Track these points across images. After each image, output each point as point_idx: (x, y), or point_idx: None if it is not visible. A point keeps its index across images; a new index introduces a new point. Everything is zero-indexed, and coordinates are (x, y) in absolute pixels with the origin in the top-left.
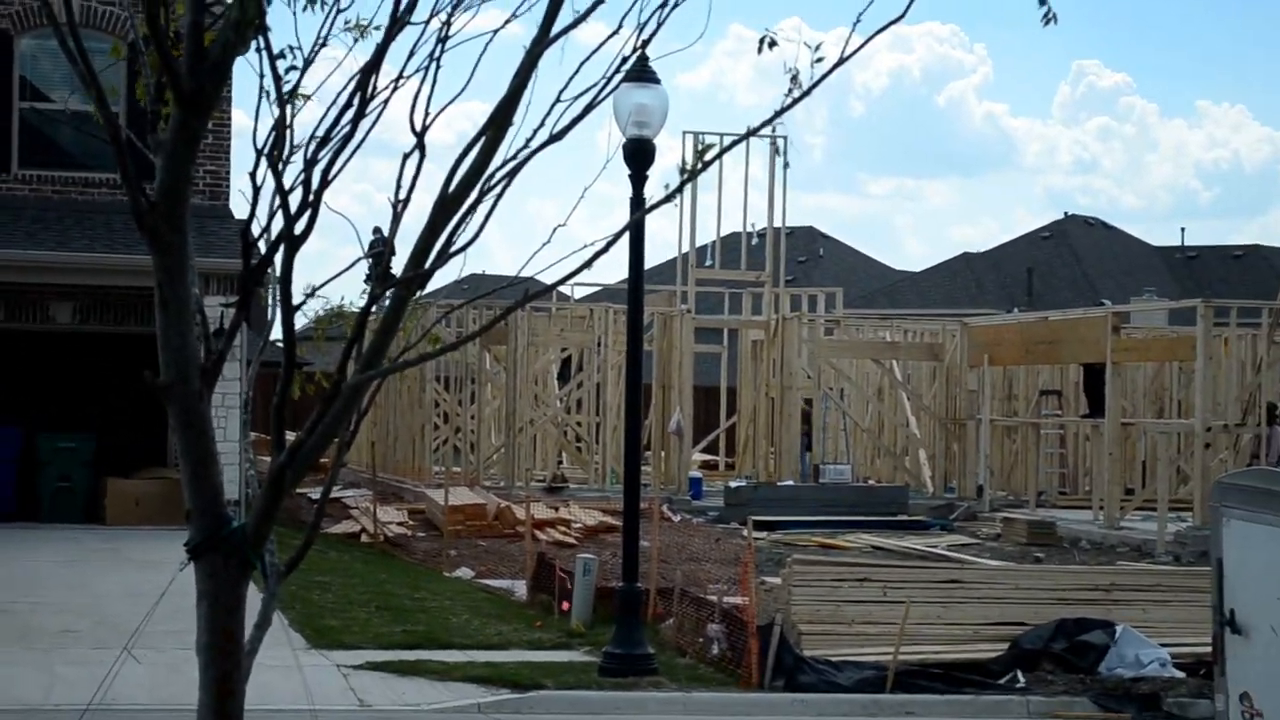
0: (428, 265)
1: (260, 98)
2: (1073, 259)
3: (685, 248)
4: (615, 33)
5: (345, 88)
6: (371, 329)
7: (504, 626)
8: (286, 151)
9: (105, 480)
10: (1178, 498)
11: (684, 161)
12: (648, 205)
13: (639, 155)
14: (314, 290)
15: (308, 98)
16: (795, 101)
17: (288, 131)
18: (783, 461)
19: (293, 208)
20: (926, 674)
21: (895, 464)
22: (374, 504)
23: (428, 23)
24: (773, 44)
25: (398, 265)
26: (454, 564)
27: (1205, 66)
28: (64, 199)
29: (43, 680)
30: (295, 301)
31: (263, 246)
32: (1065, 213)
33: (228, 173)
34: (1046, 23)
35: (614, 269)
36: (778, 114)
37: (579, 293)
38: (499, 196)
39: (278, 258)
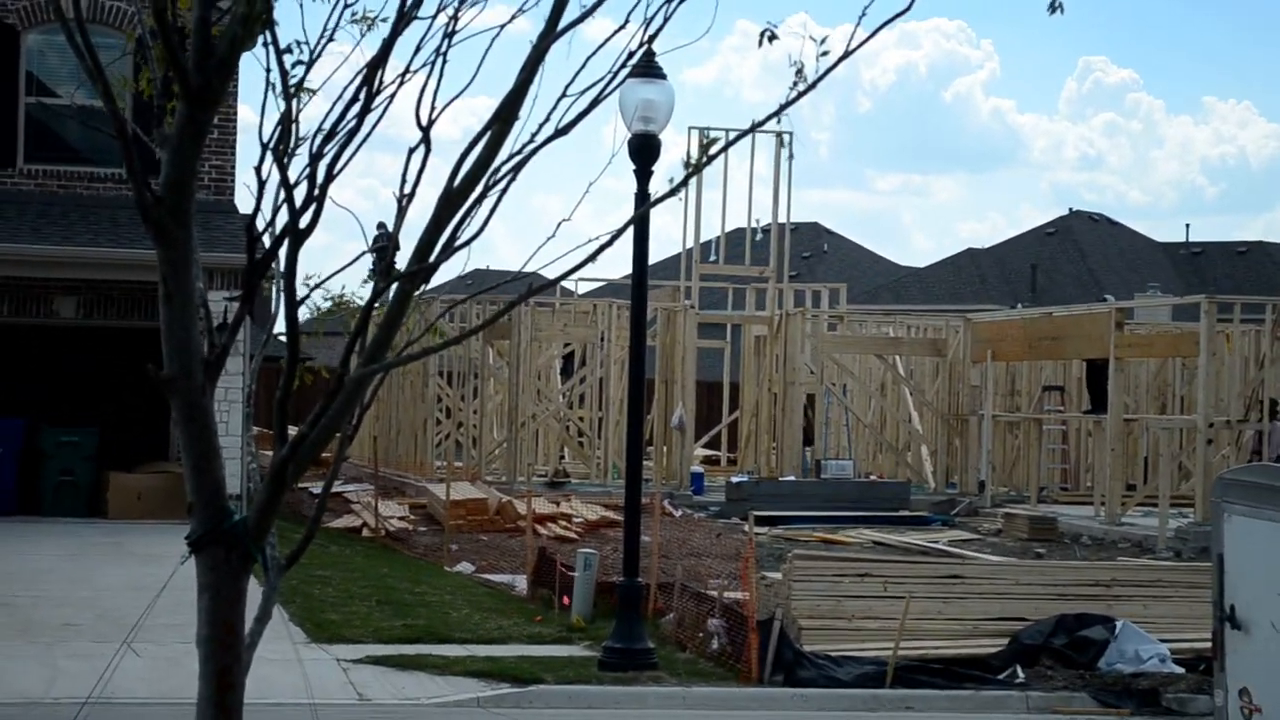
0: (432, 260)
1: (266, 93)
2: (1077, 255)
3: (689, 243)
4: (621, 28)
5: (351, 82)
6: (375, 323)
7: (504, 621)
8: (292, 145)
9: (107, 474)
10: (1179, 494)
11: (689, 157)
12: (652, 200)
13: (644, 150)
14: (315, 286)
15: (313, 92)
16: (800, 95)
17: (293, 126)
18: (784, 457)
19: (297, 202)
20: (926, 669)
21: (897, 459)
22: (375, 498)
23: (434, 17)
24: (773, 38)
25: (402, 260)
26: (455, 559)
27: (1212, 63)
28: (69, 194)
29: (44, 673)
30: (299, 295)
31: (267, 241)
32: (1070, 209)
33: (233, 167)
34: (1053, 11)
35: (618, 264)
36: (783, 107)
37: (583, 288)
38: (504, 191)
39: (282, 252)
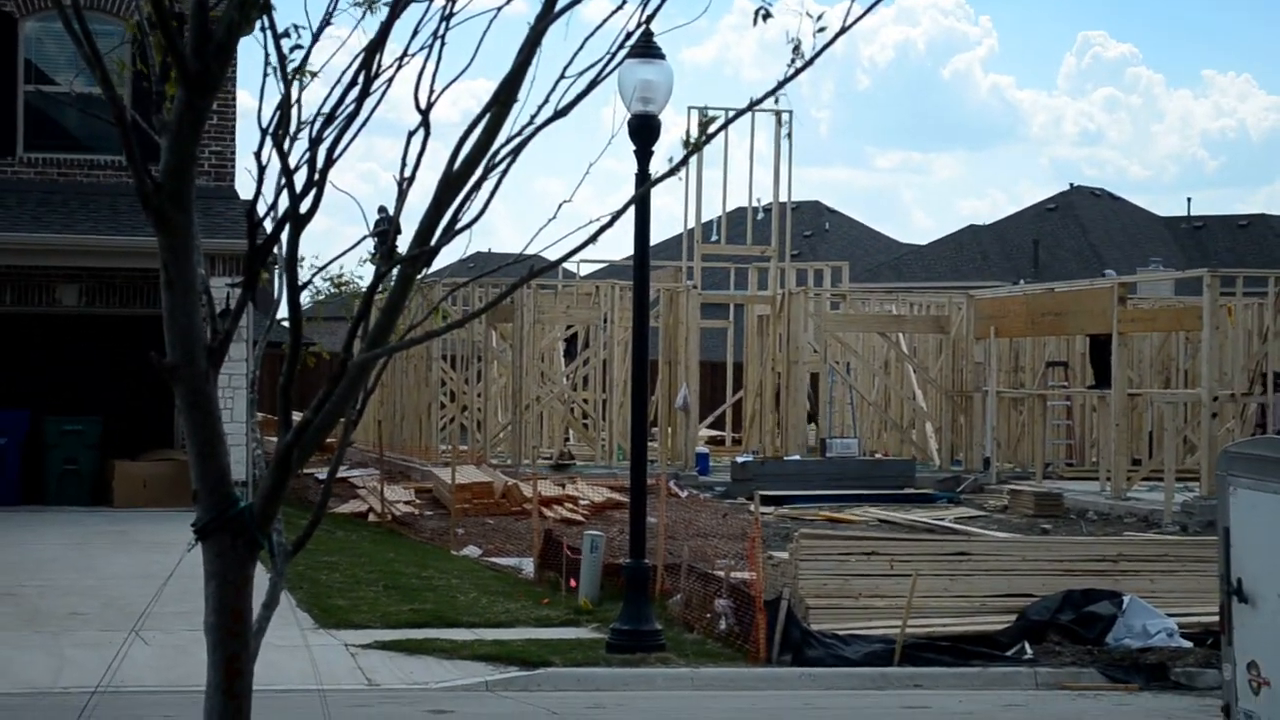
0: (433, 243)
1: (264, 77)
2: (1079, 230)
3: (691, 223)
4: (619, 8)
5: (350, 66)
6: (378, 307)
7: (511, 604)
8: (293, 130)
9: (112, 462)
10: (1184, 468)
11: (688, 137)
12: (652, 180)
13: (644, 131)
14: (317, 271)
15: (314, 74)
16: (798, 72)
17: (293, 110)
18: (789, 436)
19: (298, 187)
20: (934, 647)
21: (902, 437)
22: (381, 483)
23: (432, 0)
24: (767, 15)
25: (403, 243)
26: (461, 542)
27: (1211, 36)
28: (69, 181)
29: (51, 663)
30: (301, 280)
31: (268, 226)
32: (1071, 184)
33: (233, 153)
34: None
35: (619, 245)
36: (781, 84)
37: (585, 269)
38: (504, 173)
39: (283, 237)
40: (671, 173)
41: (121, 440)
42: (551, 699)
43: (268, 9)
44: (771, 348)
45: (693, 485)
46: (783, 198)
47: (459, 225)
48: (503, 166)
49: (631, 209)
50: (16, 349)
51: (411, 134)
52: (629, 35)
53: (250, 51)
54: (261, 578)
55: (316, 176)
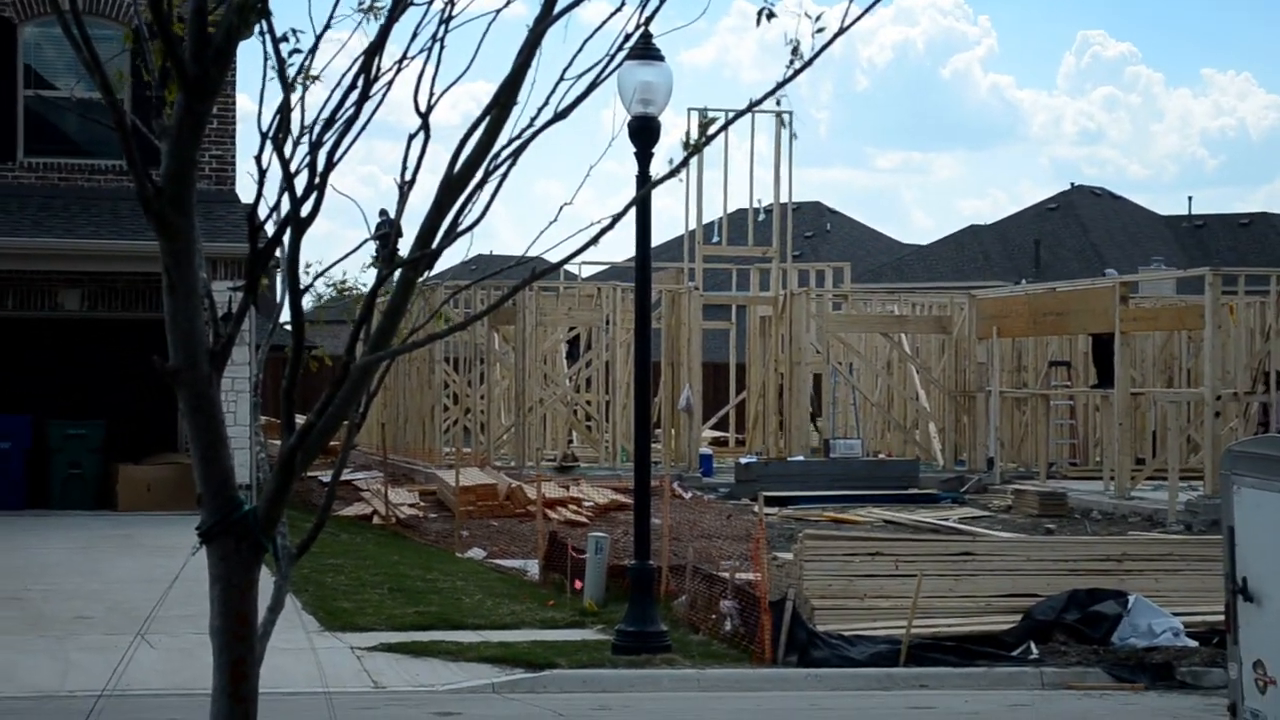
0: (434, 246)
1: (264, 81)
2: (1080, 230)
3: (692, 225)
4: (618, 10)
5: (349, 69)
6: (380, 310)
7: (517, 606)
8: (296, 134)
9: (116, 466)
10: (1188, 467)
11: (688, 138)
12: (653, 181)
13: (644, 133)
14: (318, 274)
15: (316, 78)
16: (797, 73)
17: (293, 114)
18: (792, 437)
19: (298, 190)
20: (940, 647)
21: (905, 438)
22: (385, 486)
23: (431, 3)
24: (771, 15)
25: (405, 246)
26: (466, 545)
27: (1211, 34)
28: (70, 186)
29: (57, 667)
30: (302, 283)
31: (270, 230)
32: (1072, 184)
33: (233, 157)
34: None
35: (621, 247)
36: (780, 85)
37: (586, 271)
38: (504, 176)
39: (285, 240)
40: (672, 174)
41: (125, 444)
42: (557, 701)
43: (266, 13)
44: (774, 349)
45: (696, 486)
46: (784, 199)
47: (460, 228)
48: (503, 169)
49: (632, 211)
50: (19, 354)
51: (412, 137)
52: (628, 37)
53: (250, 55)
54: (266, 581)
55: (317, 180)
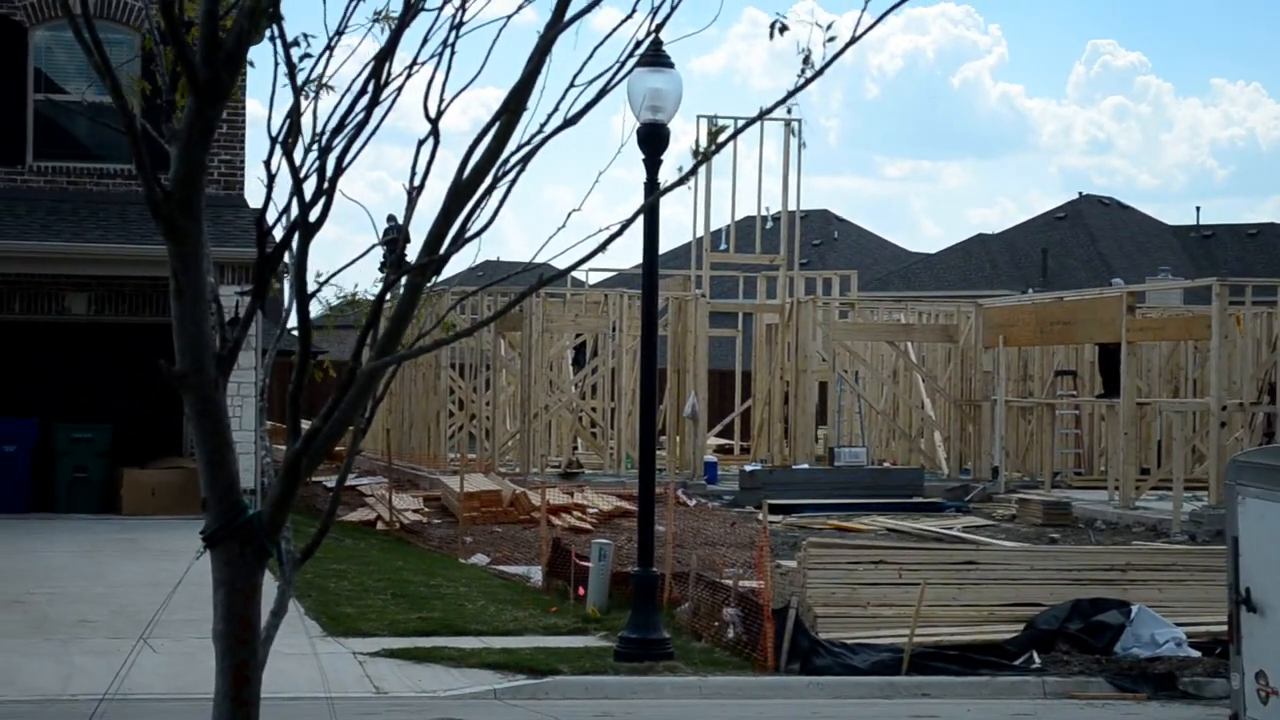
0: (442, 251)
1: (274, 86)
2: (1087, 239)
3: (700, 232)
4: (629, 17)
5: (359, 75)
6: (387, 316)
7: (520, 612)
8: (308, 139)
9: (121, 470)
10: (1193, 477)
11: (698, 146)
12: (661, 189)
13: (653, 140)
14: (329, 278)
15: (329, 86)
16: (807, 82)
17: (303, 119)
18: (797, 445)
19: (307, 195)
20: (942, 655)
21: (910, 446)
22: (389, 491)
23: (441, 9)
24: (783, 29)
25: (413, 252)
26: (469, 550)
27: (1220, 44)
28: (79, 190)
29: (61, 670)
30: (310, 289)
31: (278, 234)
32: (1080, 193)
33: (242, 162)
34: None
35: (628, 254)
36: (791, 94)
37: (593, 278)
38: (513, 182)
39: (293, 245)
40: (680, 182)
41: (131, 448)
42: (560, 707)
43: (277, 18)
44: (780, 356)
45: (701, 494)
46: (791, 206)
47: (468, 234)
48: (512, 175)
49: (641, 218)
50: (26, 357)
51: (421, 142)
52: (638, 44)
53: (261, 59)
54: (270, 585)
55: (326, 185)
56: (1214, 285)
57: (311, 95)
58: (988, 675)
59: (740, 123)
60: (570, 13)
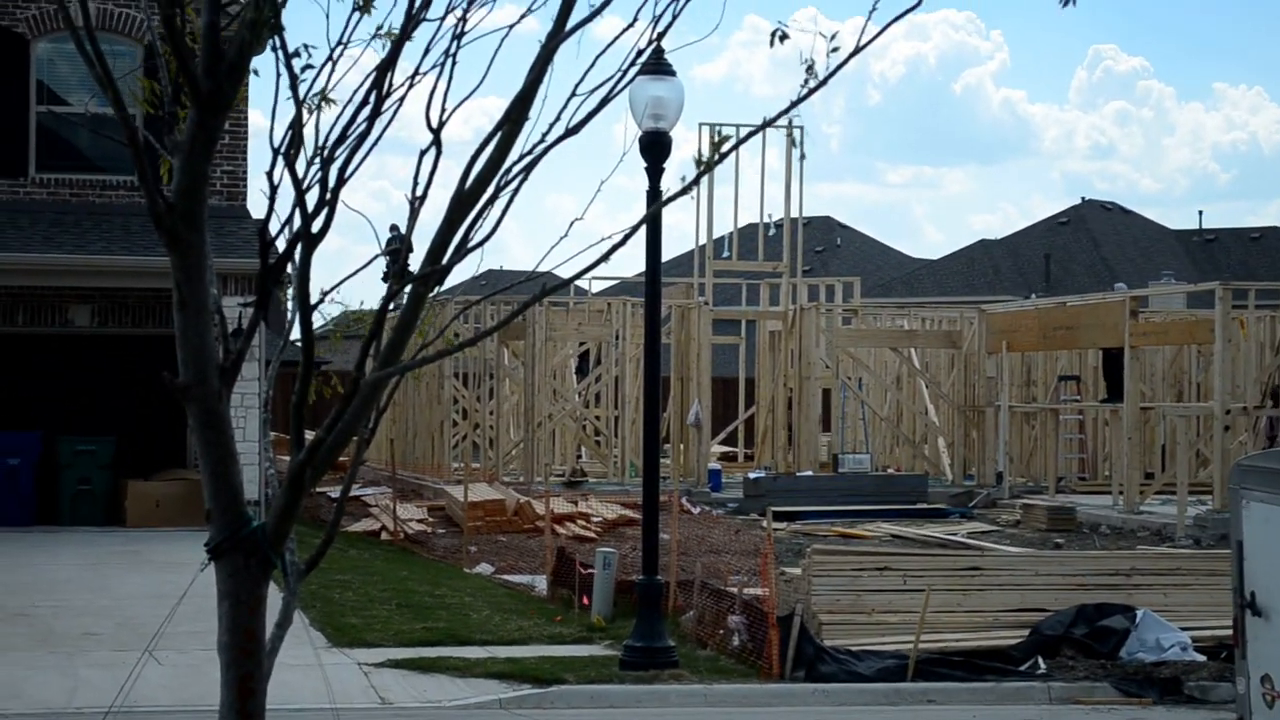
0: (445, 261)
1: (276, 97)
2: (1090, 244)
3: (702, 239)
4: (630, 26)
5: (361, 85)
6: (390, 326)
7: (524, 622)
8: (310, 150)
9: (125, 482)
10: (1197, 481)
11: (700, 153)
12: (664, 198)
13: (655, 148)
14: (330, 289)
15: (333, 100)
16: (811, 92)
17: (305, 130)
18: (801, 452)
19: (310, 206)
20: (947, 662)
21: (914, 452)
22: (394, 501)
23: (443, 19)
24: (784, 38)
25: (415, 262)
26: (474, 560)
27: (1222, 49)
28: (81, 202)
29: (66, 683)
30: (313, 301)
31: (281, 245)
32: (1083, 198)
33: (245, 173)
34: (1065, 4)
35: (631, 262)
36: (793, 104)
37: (596, 286)
38: (515, 191)
39: (296, 256)
40: (683, 192)
41: (134, 460)
42: (565, 716)
43: (279, 29)
44: (783, 363)
45: (705, 502)
46: (794, 213)
47: (471, 243)
48: (514, 185)
49: (643, 227)
50: (29, 369)
51: (423, 152)
52: (640, 52)
53: (263, 70)
54: (274, 597)
55: (328, 195)
56: (1217, 289)
57: (314, 108)
58: (993, 681)
59: (743, 131)
60: (572, 22)
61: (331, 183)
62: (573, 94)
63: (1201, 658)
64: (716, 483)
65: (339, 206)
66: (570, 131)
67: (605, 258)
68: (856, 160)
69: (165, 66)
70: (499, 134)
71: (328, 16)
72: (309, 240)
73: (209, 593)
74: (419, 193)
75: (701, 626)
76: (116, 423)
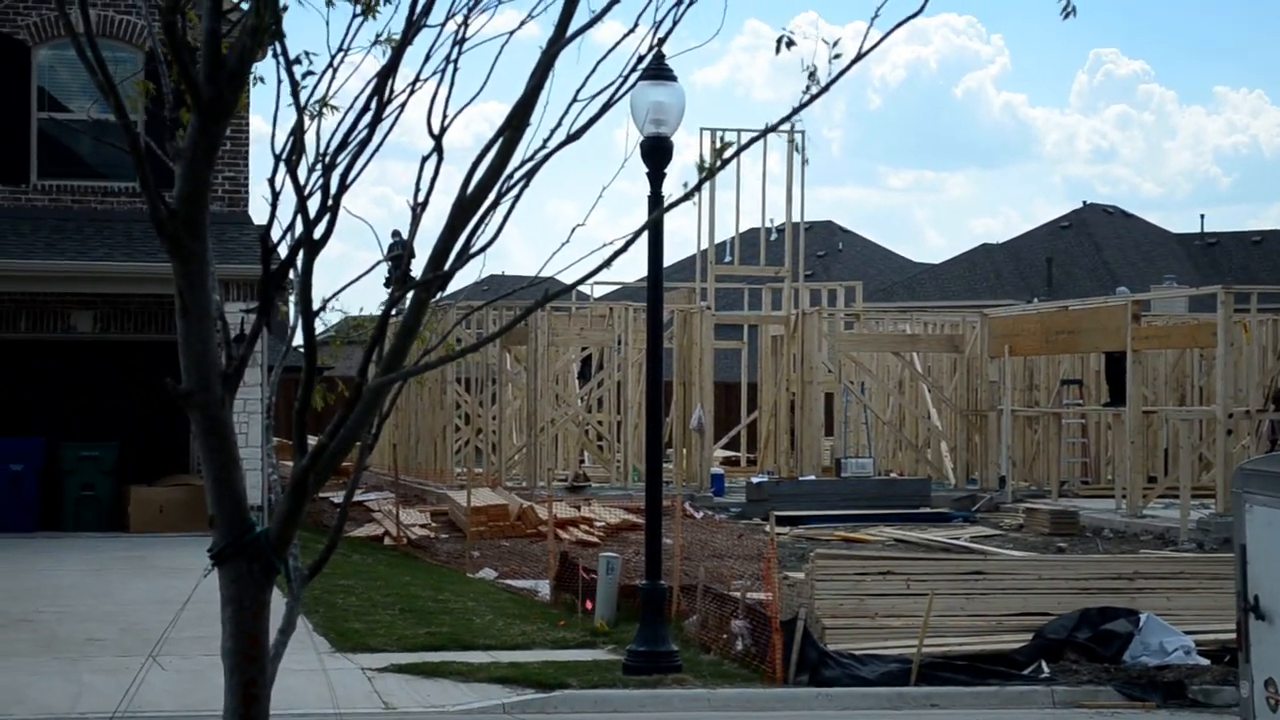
0: (447, 267)
1: (277, 103)
2: (1092, 248)
3: (704, 244)
4: (631, 31)
5: (363, 92)
6: (392, 332)
7: (528, 626)
8: (312, 157)
9: (128, 488)
10: (1200, 485)
11: (701, 158)
12: (666, 203)
13: (657, 153)
14: (332, 296)
15: (334, 108)
16: (813, 98)
17: (306, 136)
18: (804, 456)
19: (311, 212)
20: (951, 666)
21: (917, 456)
22: (396, 506)
23: (444, 25)
24: (790, 44)
25: (417, 268)
26: (477, 565)
27: (1223, 52)
28: (83, 208)
29: (69, 689)
30: (315, 307)
31: (283, 252)
32: (1084, 202)
33: (247, 179)
34: (1066, 16)
35: (633, 267)
36: (795, 110)
37: (598, 291)
38: (517, 197)
39: (298, 262)
40: (685, 198)
41: (138, 466)
42: None
43: (280, 36)
44: (786, 368)
45: (708, 506)
46: (796, 218)
47: (473, 249)
48: (516, 190)
49: (645, 232)
50: (32, 376)
51: (425, 158)
52: (641, 58)
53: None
54: (278, 602)
55: (330, 202)
56: (1219, 293)
57: (315, 114)
58: (996, 685)
59: (744, 136)
60: (573, 28)
61: (333, 189)
62: (574, 99)
63: (1205, 661)
64: (719, 487)
65: (341, 213)
66: (571, 137)
67: (608, 263)
68: (858, 164)
69: (166, 73)
70: (500, 140)
71: (328, 23)
72: (311, 246)
73: (212, 598)
74: (421, 199)
75: (705, 631)
76: (119, 428)
